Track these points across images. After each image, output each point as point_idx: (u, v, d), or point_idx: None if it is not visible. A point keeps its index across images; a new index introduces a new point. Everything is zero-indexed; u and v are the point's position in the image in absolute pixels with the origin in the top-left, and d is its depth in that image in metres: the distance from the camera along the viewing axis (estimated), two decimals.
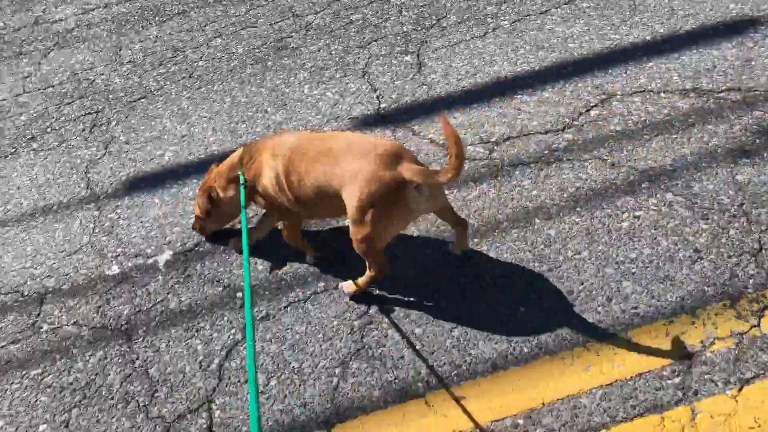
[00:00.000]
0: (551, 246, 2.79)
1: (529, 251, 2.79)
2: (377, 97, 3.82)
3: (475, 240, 2.88)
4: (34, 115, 4.20)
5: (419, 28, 4.30)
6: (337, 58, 4.19)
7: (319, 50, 4.32)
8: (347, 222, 2.47)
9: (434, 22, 4.33)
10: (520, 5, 4.29)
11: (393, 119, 3.62)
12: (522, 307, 2.59)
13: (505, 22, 4.18)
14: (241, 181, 2.67)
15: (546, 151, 3.24)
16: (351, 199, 2.36)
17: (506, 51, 3.96)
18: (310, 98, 3.90)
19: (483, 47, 4.04)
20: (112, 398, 2.53)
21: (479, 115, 3.52)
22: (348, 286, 2.69)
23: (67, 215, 3.37)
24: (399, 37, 4.25)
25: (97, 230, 3.26)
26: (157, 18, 5.02)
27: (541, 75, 3.72)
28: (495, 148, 3.33)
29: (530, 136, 3.35)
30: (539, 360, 2.41)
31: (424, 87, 3.82)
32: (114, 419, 2.46)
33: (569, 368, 2.35)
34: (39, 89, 4.44)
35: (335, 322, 2.64)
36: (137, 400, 2.48)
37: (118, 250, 3.12)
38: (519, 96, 3.62)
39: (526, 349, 2.45)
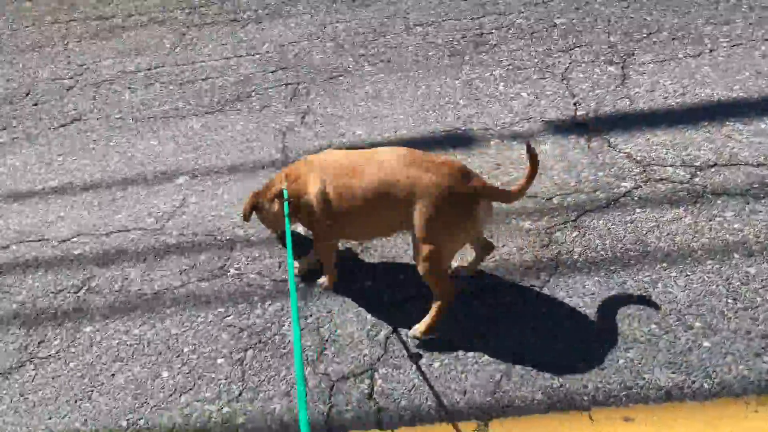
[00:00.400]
0: (749, 284, 2.59)
1: (723, 286, 2.60)
2: (574, 104, 3.72)
3: (664, 264, 2.72)
4: (242, 78, 4.48)
5: (627, 40, 4.14)
6: (536, 60, 4.13)
7: (518, 50, 4.27)
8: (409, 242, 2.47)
9: (644, 35, 4.15)
10: (744, 29, 3.99)
11: (588, 128, 3.51)
12: (707, 342, 2.42)
13: (724, 44, 3.92)
14: (285, 196, 2.61)
15: (756, 185, 3.00)
16: (422, 212, 2.32)
17: (722, 74, 3.71)
18: (503, 96, 3.87)
19: (696, 67, 3.81)
20: (284, 348, 2.66)
21: (684, 137, 3.33)
22: (416, 331, 2.58)
23: (260, 173, 3.57)
24: (605, 46, 4.11)
25: None
26: (365, 0, 5.19)
27: (759, 105, 3.44)
28: (698, 173, 3.13)
29: (740, 166, 3.12)
30: (719, 399, 2.24)
31: (626, 100, 3.67)
32: (283, 367, 2.58)
33: (753, 414, 2.17)
34: (248, 54, 4.74)
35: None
36: (306, 354, 2.59)
37: None
38: (731, 123, 3.38)
39: (705, 385, 2.29)
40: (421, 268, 2.44)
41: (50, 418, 2.55)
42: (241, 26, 5.17)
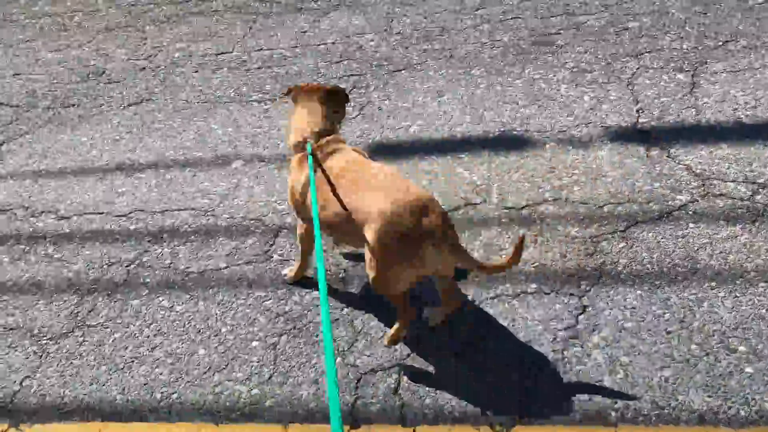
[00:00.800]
0: None
1: None
2: (637, 110, 3.61)
3: (712, 283, 2.61)
4: (306, 67, 4.54)
5: (700, 47, 3.98)
6: (603, 63, 4.03)
7: (585, 52, 4.17)
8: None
9: (720, 43, 3.98)
10: None
11: (649, 136, 3.40)
12: (749, 368, 2.32)
13: None
14: (309, 149, 2.58)
15: None
16: (369, 238, 2.28)
17: None
18: (565, 98, 3.79)
19: None
20: (316, 336, 2.70)
21: (750, 152, 3.19)
22: (385, 338, 2.61)
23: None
24: (675, 52, 3.97)
25: None
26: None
27: None
28: (760, 190, 2.99)
29: None
30: (756, 428, 2.14)
31: (693, 110, 3.54)
32: (314, 354, 2.62)
33: None
34: (313, 44, 4.80)
35: (539, 327, 2.56)
36: (338, 343, 2.61)
37: None
38: None
39: (743, 412, 2.19)
40: (374, 289, 2.44)
41: (91, 384, 2.66)
42: (308, 16, 5.23)
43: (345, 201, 2.39)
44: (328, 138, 2.66)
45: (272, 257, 3.12)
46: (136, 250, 3.26)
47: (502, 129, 3.61)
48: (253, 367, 2.62)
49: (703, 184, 3.07)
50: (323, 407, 2.40)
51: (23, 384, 2.66)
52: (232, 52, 4.86)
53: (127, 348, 2.79)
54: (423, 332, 2.62)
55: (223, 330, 2.80)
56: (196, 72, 4.67)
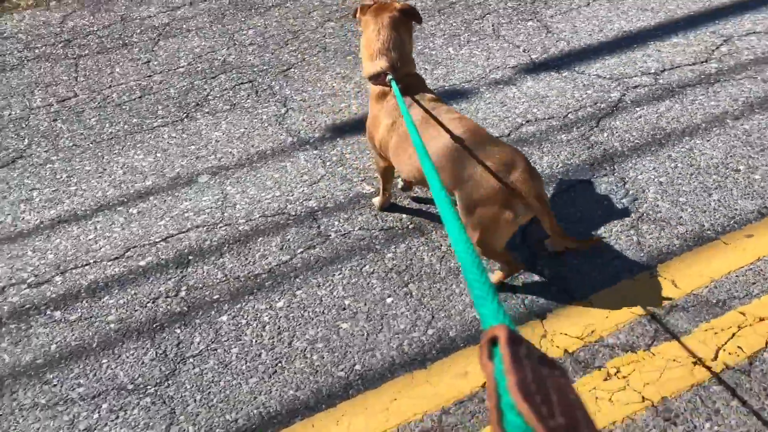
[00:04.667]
0: None
1: None
2: (523, 50, 4.34)
3: (687, 137, 3.41)
4: (183, 89, 4.36)
5: (523, 3, 4.90)
6: (463, 27, 4.70)
7: (438, 24, 4.80)
8: None
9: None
10: None
11: (550, 66, 4.16)
12: (756, 175, 3.14)
13: None
14: (392, 81, 2.47)
15: (702, 76, 3.87)
16: (461, 200, 2.34)
17: (617, 13, 4.62)
18: (461, 56, 4.36)
19: (593, 12, 4.68)
20: (440, 273, 2.82)
21: (628, 57, 4.14)
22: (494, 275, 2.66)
23: (286, 156, 3.61)
24: (511, 9, 4.82)
25: (327, 163, 3.51)
26: (252, 11, 5.31)
27: (658, 29, 4.39)
28: (657, 77, 3.92)
29: (683, 67, 3.98)
30: None
31: (563, 42, 4.39)
32: (453, 285, 2.75)
33: None
34: (170, 70, 4.60)
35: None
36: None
37: (361, 175, 3.40)
38: (652, 42, 4.26)
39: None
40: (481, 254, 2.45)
41: (255, 397, 2.42)
42: (138, 48, 4.96)
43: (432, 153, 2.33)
44: (407, 74, 2.59)
45: (330, 236, 3.09)
46: (170, 279, 2.92)
47: (437, 89, 4.01)
48: (409, 317, 2.64)
49: (619, 83, 3.91)
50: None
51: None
52: (77, 96, 4.38)
53: (260, 354, 2.56)
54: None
55: (347, 302, 2.74)
56: (55, 121, 4.13)
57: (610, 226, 2.93)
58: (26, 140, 3.94)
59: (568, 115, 3.66)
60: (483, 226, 2.35)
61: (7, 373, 2.56)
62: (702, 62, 3.99)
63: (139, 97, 4.28)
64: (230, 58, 4.68)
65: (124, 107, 4.18)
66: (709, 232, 2.87)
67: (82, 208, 3.36)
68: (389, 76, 2.49)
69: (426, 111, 2.52)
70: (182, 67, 4.62)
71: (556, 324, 2.53)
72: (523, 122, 3.64)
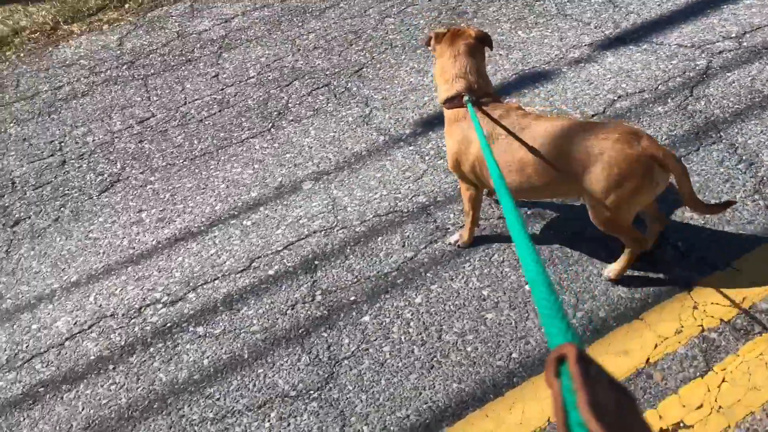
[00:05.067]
0: None
1: None
2: (595, 27, 4.33)
3: None
4: (261, 99, 4.40)
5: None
6: (527, 10, 4.70)
7: (500, 9, 4.80)
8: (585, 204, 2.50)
9: None
10: None
11: (625, 40, 4.16)
12: None
13: None
14: (467, 101, 2.54)
15: None
16: (597, 180, 2.29)
17: None
18: (533, 39, 4.36)
19: None
20: (571, 256, 2.85)
21: (705, 23, 4.14)
22: (610, 273, 2.67)
23: (383, 155, 3.65)
24: None
25: (426, 157, 3.54)
26: (308, 14, 5.35)
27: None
28: (740, 40, 3.91)
29: (763, 27, 3.96)
30: None
31: (633, 14, 4.38)
32: (583, 270, 2.77)
33: None
34: (241, 81, 4.64)
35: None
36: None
37: None
38: (725, 6, 4.26)
39: None
40: (605, 229, 2.48)
41: (420, 393, 2.46)
42: (203, 63, 5.02)
43: (544, 153, 2.36)
44: (486, 93, 2.59)
45: (448, 228, 3.11)
46: (303, 285, 2.96)
47: (518, 73, 4.03)
48: (564, 300, 2.65)
49: (703, 50, 3.90)
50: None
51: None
52: (155, 116, 4.44)
53: (412, 351, 2.60)
54: None
55: (486, 292, 2.77)
56: (141, 142, 4.19)
57: (732, 193, 2.94)
58: (118, 164, 4.00)
59: (659, 87, 3.66)
60: (624, 199, 2.30)
61: (168, 391, 2.62)
62: None
63: (219, 111, 4.33)
64: (298, 64, 4.71)
65: (206, 122, 4.23)
66: None
67: (195, 225, 3.41)
68: (465, 97, 2.51)
69: (505, 128, 2.50)
70: (252, 77, 4.66)
71: (704, 295, 2.55)
72: (615, 98, 3.64)
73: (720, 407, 2.20)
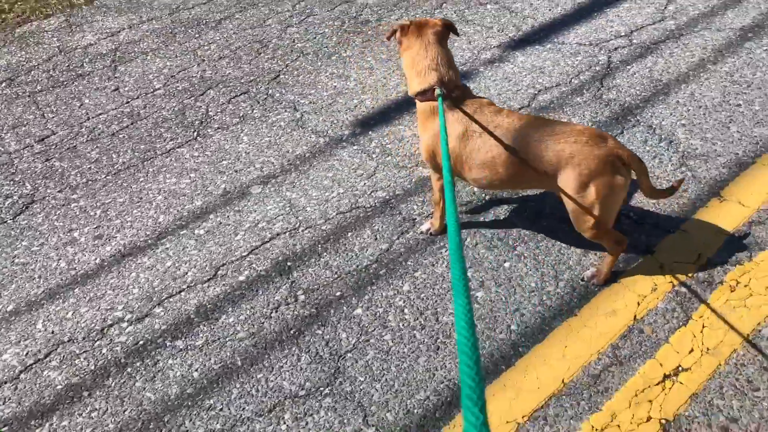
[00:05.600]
0: None
1: None
2: (498, 30, 4.65)
3: (717, 56, 3.87)
4: (176, 109, 4.25)
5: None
6: (429, 17, 4.93)
7: (401, 18, 5.01)
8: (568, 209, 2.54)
9: None
10: None
11: (529, 41, 4.50)
12: None
13: None
14: (438, 93, 2.54)
15: (667, 32, 4.38)
16: (570, 181, 2.37)
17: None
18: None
19: None
20: (539, 233, 3.04)
21: (595, 24, 4.58)
22: (592, 275, 2.73)
23: (328, 156, 3.67)
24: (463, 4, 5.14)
25: (373, 155, 3.61)
26: (203, 26, 5.25)
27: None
28: (630, 38, 4.38)
29: (646, 27, 4.47)
30: None
31: (529, 19, 4.76)
32: (553, 245, 2.98)
33: None
34: (147, 93, 4.45)
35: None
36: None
37: (412, 160, 3.56)
38: (608, 9, 4.74)
39: None
40: (586, 233, 2.54)
41: (418, 392, 2.51)
42: (98, 79, 4.74)
43: (507, 154, 2.46)
44: (456, 86, 2.60)
45: (415, 219, 3.21)
46: (281, 287, 2.91)
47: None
48: (534, 275, 2.83)
49: (600, 48, 4.32)
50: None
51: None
52: (56, 133, 4.14)
53: (414, 336, 2.65)
54: None
55: (469, 273, 2.87)
56: (49, 160, 3.89)
57: (662, 167, 3.27)
58: (27, 184, 3.67)
59: (572, 81, 3.98)
60: (600, 197, 2.38)
61: (162, 409, 2.45)
62: (659, 21, 4.48)
63: (131, 124, 4.11)
64: (207, 74, 4.58)
65: (120, 136, 3.99)
66: (744, 158, 3.29)
67: (140, 239, 3.21)
68: (437, 91, 2.53)
69: (478, 122, 2.59)
70: (159, 89, 4.46)
71: (666, 255, 2.82)
72: (536, 92, 3.92)
73: (707, 349, 2.43)
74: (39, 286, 3.00)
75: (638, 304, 2.62)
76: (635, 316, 2.58)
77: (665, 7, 4.65)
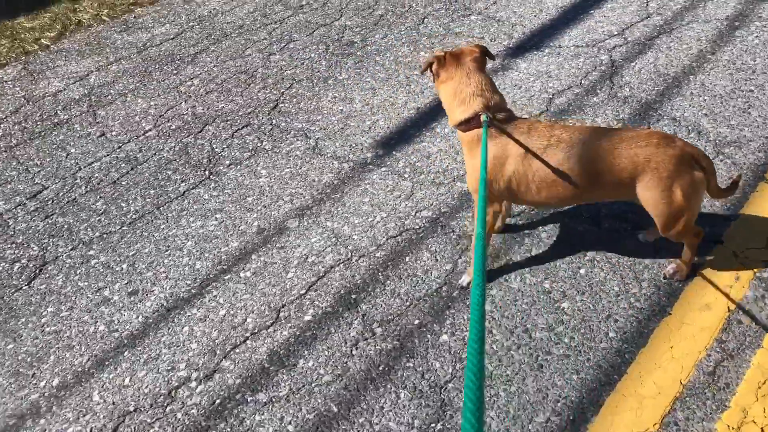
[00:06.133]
0: None
1: None
2: (491, 40, 4.65)
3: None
4: (177, 149, 4.03)
5: (448, 3, 5.23)
6: (415, 33, 4.89)
7: (386, 35, 4.95)
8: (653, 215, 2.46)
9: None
10: None
11: (526, 48, 4.51)
12: None
13: None
14: (485, 119, 2.42)
15: (657, 27, 4.48)
16: (651, 187, 2.33)
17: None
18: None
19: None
20: (602, 237, 3.00)
21: (586, 26, 4.64)
22: (674, 271, 2.69)
23: (358, 180, 3.54)
24: (443, 11, 5.12)
25: (405, 174, 3.50)
26: (178, 61, 5.08)
27: None
28: (624, 36, 4.45)
29: (636, 24, 4.56)
30: None
31: (518, 26, 4.78)
32: (630, 251, 2.94)
33: None
34: (137, 136, 4.20)
35: None
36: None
37: (447, 176, 3.48)
38: (592, 11, 4.81)
39: None
40: (672, 237, 2.51)
41: (536, 412, 2.41)
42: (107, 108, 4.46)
43: (579, 168, 2.37)
44: (502, 109, 2.51)
45: (471, 235, 3.12)
46: (353, 322, 2.74)
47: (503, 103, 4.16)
48: (615, 280, 2.78)
49: (598, 48, 4.37)
50: None
51: None
52: (47, 187, 3.86)
53: (512, 357, 2.55)
54: None
55: (547, 284, 2.80)
56: (50, 217, 3.60)
57: None
58: (32, 246, 3.36)
59: (582, 82, 3.99)
60: (686, 197, 2.32)
61: None
62: (646, 18, 4.57)
63: (132, 169, 3.85)
64: (199, 110, 4.37)
65: (123, 183, 3.74)
66: None
67: (182, 289, 2.97)
68: (483, 116, 2.41)
69: (522, 144, 2.48)
70: (150, 130, 4.22)
71: (737, 244, 2.81)
72: (551, 96, 3.90)
73: None
74: (82, 354, 2.73)
75: (727, 295, 2.57)
76: (728, 308, 2.53)
77: (647, 4, 4.74)
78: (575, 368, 2.39)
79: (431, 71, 2.68)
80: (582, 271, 2.78)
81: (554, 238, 2.93)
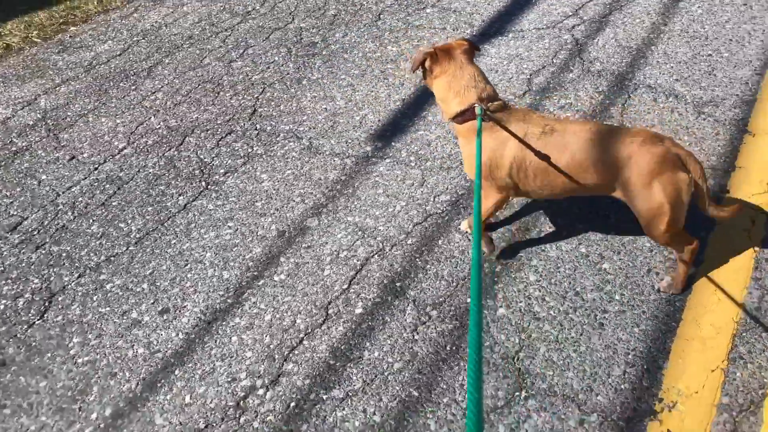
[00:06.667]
0: None
1: None
2: (453, 30, 4.78)
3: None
4: (161, 164, 3.92)
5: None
6: (375, 29, 4.95)
7: (345, 35, 4.99)
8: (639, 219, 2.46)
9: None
10: None
11: (489, 35, 4.66)
12: None
13: None
14: (479, 111, 2.45)
15: (608, 3, 4.74)
16: (633, 183, 2.31)
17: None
18: (405, 50, 4.63)
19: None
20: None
21: (541, 9, 4.82)
22: (667, 284, 2.64)
23: (366, 174, 3.54)
24: (396, 6, 5.21)
25: (412, 163, 3.53)
26: (135, 76, 4.90)
27: None
28: (580, 15, 4.69)
29: (588, 3, 4.81)
30: None
31: (476, 15, 4.93)
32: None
33: None
34: (112, 156, 4.04)
35: None
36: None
37: (454, 160, 3.51)
38: None
39: None
40: (660, 240, 2.45)
41: (611, 366, 2.53)
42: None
43: (570, 159, 2.39)
44: (495, 99, 2.54)
45: (498, 215, 3.21)
46: (407, 309, 2.75)
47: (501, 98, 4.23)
48: (647, 264, 2.92)
49: (558, 29, 4.58)
50: None
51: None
52: (28, 217, 3.66)
53: (572, 319, 2.66)
54: None
55: (583, 249, 2.92)
56: (41, 247, 3.42)
57: (686, 118, 3.51)
58: (33, 278, 3.18)
59: (554, 60, 4.17)
60: (667, 194, 2.28)
61: None
62: None
63: (118, 189, 3.71)
64: (172, 123, 4.25)
65: (113, 204, 3.59)
66: (745, 96, 3.62)
67: (217, 301, 2.90)
68: (477, 108, 2.45)
69: (515, 135, 2.53)
70: (125, 148, 4.07)
71: (745, 190, 3.03)
72: (528, 76, 4.05)
73: None
74: (128, 379, 2.60)
75: (749, 236, 2.77)
76: (753, 249, 2.72)
77: None
78: (634, 321, 2.51)
79: (423, 68, 2.68)
80: (611, 233, 2.90)
81: (575, 208, 3.04)
